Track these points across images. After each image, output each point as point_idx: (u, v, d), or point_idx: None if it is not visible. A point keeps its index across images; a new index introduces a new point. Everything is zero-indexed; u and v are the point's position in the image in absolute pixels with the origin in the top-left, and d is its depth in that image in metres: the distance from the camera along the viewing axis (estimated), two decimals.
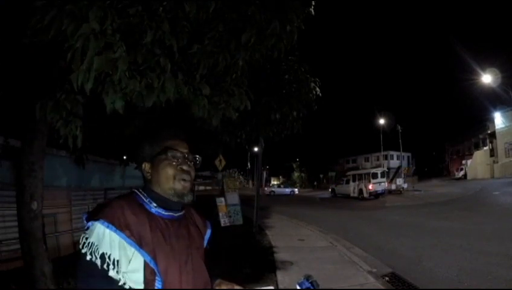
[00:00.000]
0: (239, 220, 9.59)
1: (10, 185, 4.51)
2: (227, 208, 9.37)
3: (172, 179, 1.04)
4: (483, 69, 22.61)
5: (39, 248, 3.09)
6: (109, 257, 0.89)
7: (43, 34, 1.84)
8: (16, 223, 3.37)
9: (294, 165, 53.36)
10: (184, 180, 1.06)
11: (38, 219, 3.11)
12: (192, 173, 1.09)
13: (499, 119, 29.15)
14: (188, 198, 1.08)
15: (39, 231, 3.12)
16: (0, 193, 4.84)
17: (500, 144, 28.59)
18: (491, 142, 31.19)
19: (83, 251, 0.90)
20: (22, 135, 3.26)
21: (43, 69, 2.50)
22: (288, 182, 47.92)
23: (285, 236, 8.56)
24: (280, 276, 5.04)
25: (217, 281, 1.18)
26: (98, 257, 0.88)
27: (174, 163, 1.06)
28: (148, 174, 1.08)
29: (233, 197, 9.97)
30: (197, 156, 1.13)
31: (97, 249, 0.89)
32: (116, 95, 2.00)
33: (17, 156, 3.42)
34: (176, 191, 1.04)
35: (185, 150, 1.10)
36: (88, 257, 0.89)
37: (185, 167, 1.06)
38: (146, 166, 1.08)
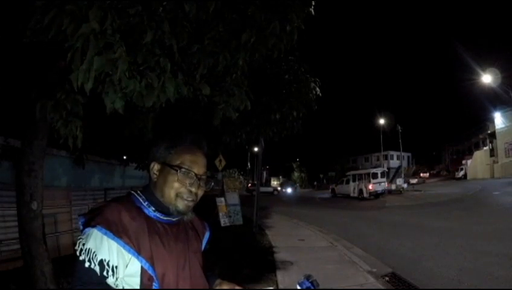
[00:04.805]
0: (239, 220, 9.59)
1: (10, 185, 4.51)
2: (227, 208, 9.38)
3: (176, 195, 1.00)
4: (483, 69, 22.65)
5: (39, 248, 3.09)
6: (108, 264, 0.87)
7: (43, 34, 1.83)
8: (16, 223, 3.37)
9: (294, 165, 53.43)
10: (188, 200, 1.01)
11: (38, 219, 3.10)
12: (200, 194, 1.04)
13: (499, 119, 29.15)
14: (188, 216, 1.05)
15: (39, 231, 3.11)
16: (0, 193, 4.85)
17: (500, 144, 28.59)
18: (491, 142, 31.21)
19: (81, 257, 0.88)
20: (22, 135, 3.26)
21: (43, 69, 2.50)
22: (289, 181, 47.94)
23: (285, 236, 8.56)
24: (280, 276, 5.04)
25: (217, 281, 1.17)
26: (96, 263, 0.87)
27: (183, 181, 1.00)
28: (155, 176, 1.03)
29: (233, 197, 9.98)
30: (211, 180, 1.08)
31: (95, 255, 0.87)
32: (116, 95, 2.00)
33: (17, 156, 3.42)
34: (176, 209, 1.00)
35: (201, 171, 1.03)
36: (87, 264, 0.87)
37: (193, 189, 1.01)
38: (155, 166, 1.03)
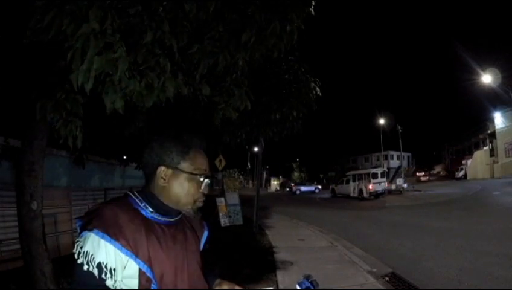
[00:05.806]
0: (239, 220, 9.60)
1: (10, 185, 4.50)
2: (227, 208, 9.39)
3: (193, 201, 1.03)
4: (483, 69, 22.68)
5: (39, 248, 3.09)
6: (106, 266, 0.88)
7: (43, 34, 1.83)
8: (16, 223, 3.37)
9: (294, 165, 53.44)
10: (201, 201, 1.06)
11: (38, 219, 3.10)
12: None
13: (499, 119, 29.17)
14: (198, 215, 1.09)
15: (39, 231, 3.11)
16: (0, 193, 4.85)
17: (500, 144, 28.61)
18: (491, 142, 31.23)
19: (79, 261, 0.88)
20: (22, 135, 3.26)
21: (43, 69, 2.50)
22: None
23: (285, 236, 8.56)
24: (280, 276, 5.04)
25: (217, 281, 1.17)
26: (94, 266, 0.87)
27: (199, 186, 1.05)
28: (163, 181, 1.01)
29: (233, 197, 9.99)
30: (211, 179, 1.13)
31: (93, 258, 0.87)
32: (116, 95, 2.00)
33: (17, 156, 3.42)
34: (193, 211, 1.04)
35: (208, 173, 1.08)
36: (85, 267, 0.87)
37: (206, 192, 1.06)
38: (164, 171, 1.01)
